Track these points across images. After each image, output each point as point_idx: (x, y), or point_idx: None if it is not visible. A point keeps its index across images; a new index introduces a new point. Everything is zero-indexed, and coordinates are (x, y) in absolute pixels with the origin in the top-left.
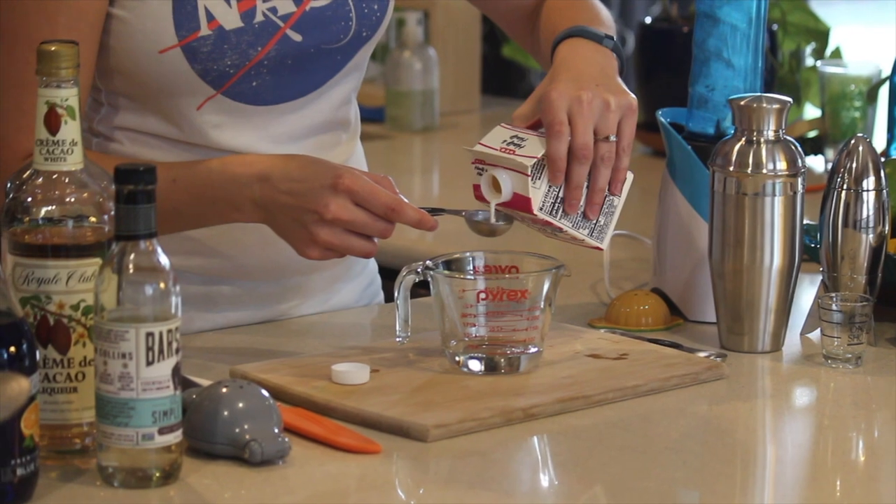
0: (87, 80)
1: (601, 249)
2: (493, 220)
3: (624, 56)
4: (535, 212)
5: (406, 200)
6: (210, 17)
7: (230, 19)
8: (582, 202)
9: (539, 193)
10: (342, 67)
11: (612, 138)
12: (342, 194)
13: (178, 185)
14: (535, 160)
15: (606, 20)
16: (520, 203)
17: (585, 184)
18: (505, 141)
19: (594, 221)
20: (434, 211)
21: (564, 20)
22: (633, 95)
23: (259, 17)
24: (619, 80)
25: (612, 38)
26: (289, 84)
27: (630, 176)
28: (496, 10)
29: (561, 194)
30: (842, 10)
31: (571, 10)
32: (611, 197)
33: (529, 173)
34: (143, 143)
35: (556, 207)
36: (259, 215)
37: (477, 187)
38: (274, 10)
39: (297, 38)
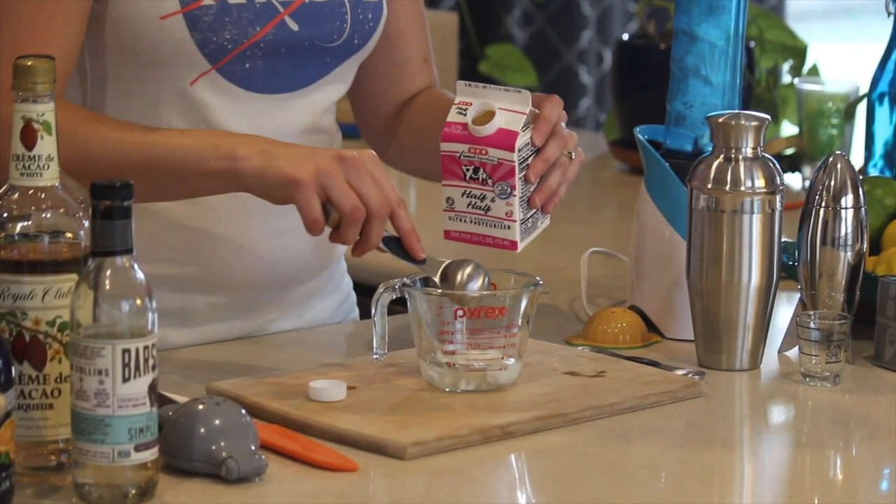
0: (75, 50)
1: (516, 248)
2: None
3: None
4: (515, 149)
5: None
6: None
7: None
8: (533, 188)
9: (522, 138)
10: (330, 71)
11: (574, 155)
12: (369, 160)
13: (185, 136)
14: (531, 109)
15: None
16: (502, 139)
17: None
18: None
19: (528, 216)
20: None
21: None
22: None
23: None
24: None
25: None
26: (279, 73)
27: (548, 221)
28: (370, 97)
29: (529, 163)
30: (818, 28)
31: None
32: (538, 214)
33: (527, 112)
34: None
35: (520, 168)
36: (262, 156)
37: (450, 124)
38: None
39: (294, 26)
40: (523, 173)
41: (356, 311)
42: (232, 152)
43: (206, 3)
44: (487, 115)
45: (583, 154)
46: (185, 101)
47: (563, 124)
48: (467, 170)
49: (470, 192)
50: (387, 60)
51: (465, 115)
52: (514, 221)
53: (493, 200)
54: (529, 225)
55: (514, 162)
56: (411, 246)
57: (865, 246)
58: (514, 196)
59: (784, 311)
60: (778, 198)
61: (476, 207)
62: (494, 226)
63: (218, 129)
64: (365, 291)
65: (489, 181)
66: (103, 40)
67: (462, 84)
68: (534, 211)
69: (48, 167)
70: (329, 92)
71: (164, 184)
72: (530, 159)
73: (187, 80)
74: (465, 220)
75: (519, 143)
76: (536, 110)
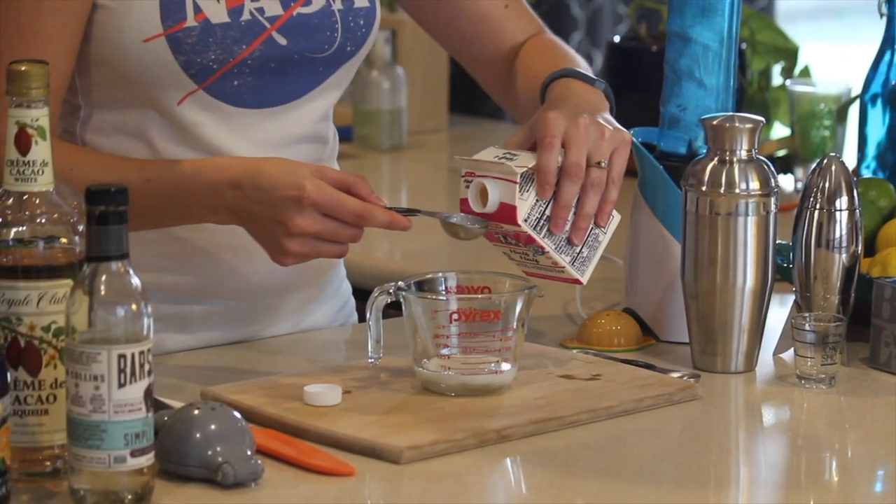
0: (69, 67)
1: (581, 283)
2: (472, 225)
3: (613, 100)
4: (520, 222)
5: (380, 199)
6: (197, 10)
7: (217, 13)
8: (567, 227)
9: (525, 205)
10: (324, 80)
11: (604, 164)
12: (307, 208)
13: (152, 186)
14: (525, 169)
15: (585, 66)
16: (506, 214)
17: (573, 209)
18: (497, 155)
19: (577, 251)
20: (409, 212)
21: (548, 65)
22: (628, 132)
23: (246, 16)
24: (612, 118)
25: (602, 81)
26: (270, 88)
27: (617, 217)
28: (472, 58)
29: (548, 212)
30: (807, 28)
31: (552, 57)
32: (596, 230)
33: (518, 181)
34: (117, 153)
35: (541, 224)
36: (234, 220)
37: (464, 201)
38: (261, 10)
39: (283, 41)
40: (546, 227)
41: (355, 317)
42: (204, 218)
43: (188, 24)
44: (485, 191)
45: (628, 136)
46: (173, 120)
47: (584, 130)
48: (499, 237)
49: (514, 250)
50: (465, 20)
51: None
52: (563, 268)
53: (535, 256)
54: (585, 254)
55: (527, 231)
56: (394, 229)
57: (860, 248)
58: (548, 251)
59: (779, 313)
60: (773, 200)
61: (527, 260)
62: (550, 271)
63: (186, 175)
64: (365, 296)
65: (520, 245)
66: (89, 59)
67: (458, 158)
68: (585, 238)
69: (42, 172)
70: (323, 100)
71: (155, 224)
72: (549, 209)
73: (174, 100)
74: (527, 267)
75: (522, 213)
76: (534, 158)
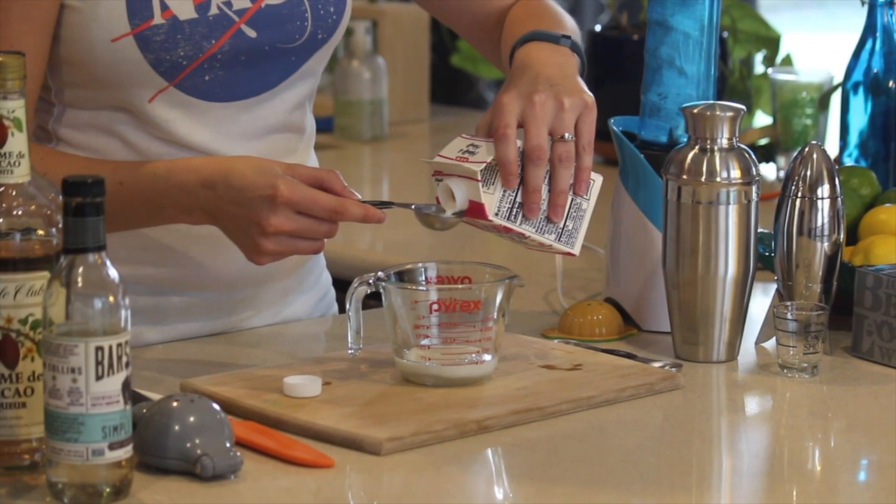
0: (40, 71)
1: (574, 255)
2: (446, 214)
3: (583, 54)
4: (491, 217)
5: (354, 193)
6: (164, 7)
7: (184, 10)
8: (545, 206)
9: (493, 199)
10: (296, 69)
11: (569, 136)
12: (281, 206)
13: (125, 189)
14: (485, 164)
15: (569, 25)
16: (476, 210)
17: (546, 187)
18: (461, 150)
19: (561, 226)
20: (383, 204)
21: (525, 30)
22: (591, 94)
23: (214, 10)
24: (578, 79)
25: (568, 37)
26: (242, 81)
27: (598, 178)
28: (459, 22)
29: (520, 199)
30: (789, 17)
31: (531, 18)
32: (578, 200)
33: (479, 178)
34: (90, 148)
35: (514, 213)
36: (208, 220)
37: (438, 199)
38: (229, 4)
39: (252, 34)
40: (521, 214)
41: (335, 308)
42: (179, 219)
43: (156, 22)
44: (452, 191)
45: (590, 99)
46: (145, 118)
47: (540, 107)
48: (482, 226)
49: (501, 235)
50: None
51: None
52: (550, 245)
53: (521, 240)
54: (571, 227)
55: (500, 223)
56: (369, 222)
57: (842, 236)
58: (530, 236)
59: (761, 302)
60: (754, 188)
61: (517, 242)
62: (541, 250)
63: (159, 177)
64: (345, 287)
65: (503, 234)
66: (60, 60)
67: (423, 161)
68: (567, 211)
69: (19, 164)
70: (297, 89)
71: (129, 226)
72: (520, 194)
73: (145, 98)
74: (521, 245)
75: (492, 208)
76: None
